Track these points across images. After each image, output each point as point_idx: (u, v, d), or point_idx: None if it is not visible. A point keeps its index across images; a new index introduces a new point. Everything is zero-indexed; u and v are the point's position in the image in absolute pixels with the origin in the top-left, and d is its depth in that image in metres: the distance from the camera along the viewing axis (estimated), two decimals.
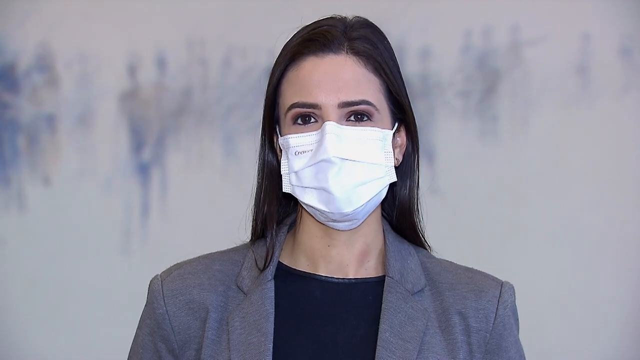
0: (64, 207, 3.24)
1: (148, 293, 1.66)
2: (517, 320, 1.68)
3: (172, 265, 1.69)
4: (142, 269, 3.15)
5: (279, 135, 1.63)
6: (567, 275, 3.08)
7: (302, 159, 1.58)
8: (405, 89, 1.65)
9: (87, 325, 3.22)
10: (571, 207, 3.08)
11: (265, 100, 1.64)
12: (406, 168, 1.67)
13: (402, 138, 1.66)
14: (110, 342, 3.09)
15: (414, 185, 1.68)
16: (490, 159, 3.12)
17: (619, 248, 3.07)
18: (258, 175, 1.67)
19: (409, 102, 1.65)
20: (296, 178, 1.60)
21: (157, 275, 1.67)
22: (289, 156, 1.60)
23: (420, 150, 1.68)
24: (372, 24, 1.65)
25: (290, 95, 1.60)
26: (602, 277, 3.07)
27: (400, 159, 1.66)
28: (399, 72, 1.65)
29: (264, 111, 1.65)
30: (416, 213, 1.68)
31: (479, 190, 3.12)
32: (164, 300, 1.64)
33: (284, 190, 1.62)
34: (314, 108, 1.58)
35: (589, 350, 3.08)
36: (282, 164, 1.62)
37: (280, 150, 1.63)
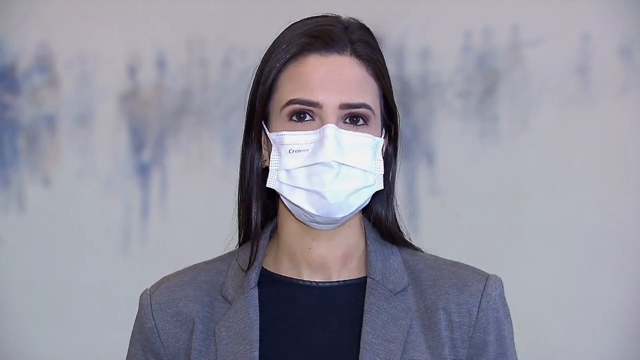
0: (64, 207, 3.24)
1: (138, 308, 1.66)
2: (507, 315, 1.64)
3: (160, 278, 1.68)
4: (142, 269, 3.16)
5: (268, 130, 1.60)
6: (566, 275, 3.08)
7: (297, 158, 1.56)
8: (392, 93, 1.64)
9: (87, 325, 3.22)
10: (571, 207, 3.08)
11: (258, 93, 1.61)
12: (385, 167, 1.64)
13: (384, 141, 1.63)
14: (110, 342, 3.09)
15: (391, 192, 1.65)
16: (490, 159, 3.12)
17: (619, 248, 3.07)
18: (243, 173, 1.64)
19: (396, 106, 1.64)
20: (287, 176, 1.57)
21: (146, 289, 1.66)
22: (282, 153, 1.57)
23: (402, 153, 1.67)
24: (366, 26, 1.63)
25: (290, 90, 1.57)
26: (601, 277, 3.07)
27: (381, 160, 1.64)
28: (389, 77, 1.63)
29: (255, 104, 1.62)
30: (393, 208, 1.65)
31: (479, 190, 3.12)
32: (152, 314, 1.63)
33: (268, 186, 1.59)
34: (314, 106, 1.55)
35: (589, 350, 3.08)
36: (271, 159, 1.59)
37: (268, 146, 1.60)
